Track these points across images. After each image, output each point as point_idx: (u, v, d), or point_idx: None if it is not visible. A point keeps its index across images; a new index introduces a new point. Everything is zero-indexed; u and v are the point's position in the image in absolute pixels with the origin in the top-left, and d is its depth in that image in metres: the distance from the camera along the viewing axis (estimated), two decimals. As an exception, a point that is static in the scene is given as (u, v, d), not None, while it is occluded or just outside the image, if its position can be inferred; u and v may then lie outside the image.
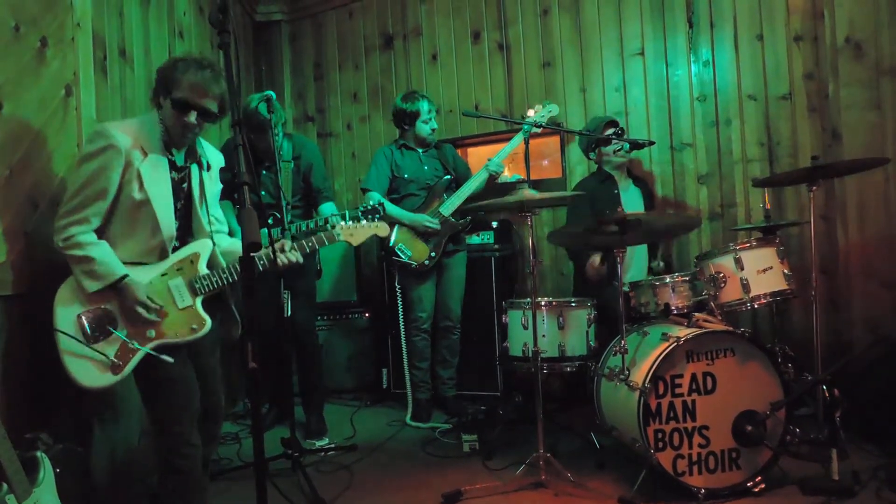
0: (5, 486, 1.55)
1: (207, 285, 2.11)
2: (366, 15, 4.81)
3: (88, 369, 1.97)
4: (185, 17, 3.66)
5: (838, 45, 3.36)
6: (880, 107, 3.29)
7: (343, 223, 2.49)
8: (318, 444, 3.28)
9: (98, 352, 1.97)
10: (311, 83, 4.99)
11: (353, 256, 4.41)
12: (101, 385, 1.99)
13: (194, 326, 2.08)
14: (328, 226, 3.14)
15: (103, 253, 1.99)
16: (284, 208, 3.01)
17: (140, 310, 1.99)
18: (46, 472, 1.71)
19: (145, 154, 2.02)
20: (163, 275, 2.08)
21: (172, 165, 2.11)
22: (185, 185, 2.16)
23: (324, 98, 4.96)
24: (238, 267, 2.13)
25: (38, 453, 1.73)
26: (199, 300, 2.11)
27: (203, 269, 2.13)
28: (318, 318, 4.09)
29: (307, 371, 3.56)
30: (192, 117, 2.03)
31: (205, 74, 2.00)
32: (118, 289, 1.99)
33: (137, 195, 2.00)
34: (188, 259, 2.12)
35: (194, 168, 2.17)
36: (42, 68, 2.30)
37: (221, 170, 2.30)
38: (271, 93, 3.18)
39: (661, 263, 3.62)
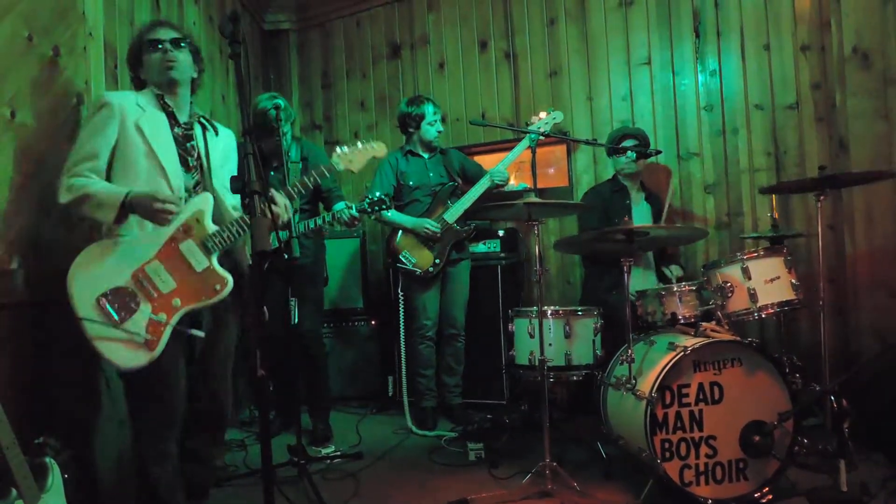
0: (14, 491, 1.56)
1: (220, 242, 2.10)
2: (373, 24, 4.85)
3: (122, 351, 1.95)
4: (194, 27, 3.69)
5: (845, 54, 3.36)
6: (888, 117, 3.29)
7: (338, 150, 2.50)
8: (324, 451, 3.28)
9: (128, 331, 1.95)
10: (319, 91, 5.02)
11: (360, 263, 4.42)
12: (137, 364, 1.97)
13: (217, 287, 2.07)
14: (335, 217, 3.19)
15: (100, 186, 2.03)
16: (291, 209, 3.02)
17: (165, 206, 1.99)
18: (55, 478, 1.71)
19: (143, 110, 2.16)
20: (172, 240, 2.06)
21: (172, 118, 2.22)
22: (191, 143, 2.24)
23: (331, 106, 4.99)
24: (244, 220, 2.13)
25: (47, 459, 1.73)
26: (214, 258, 2.10)
27: (210, 225, 2.12)
28: (324, 325, 4.10)
29: (313, 378, 3.55)
30: (167, 45, 2.19)
31: (153, 21, 2.32)
32: (132, 206, 2.00)
33: (141, 145, 2.09)
34: (193, 218, 2.11)
35: (197, 127, 2.28)
36: (54, 77, 2.33)
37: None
38: (280, 100, 3.21)
39: (678, 268, 3.59)
